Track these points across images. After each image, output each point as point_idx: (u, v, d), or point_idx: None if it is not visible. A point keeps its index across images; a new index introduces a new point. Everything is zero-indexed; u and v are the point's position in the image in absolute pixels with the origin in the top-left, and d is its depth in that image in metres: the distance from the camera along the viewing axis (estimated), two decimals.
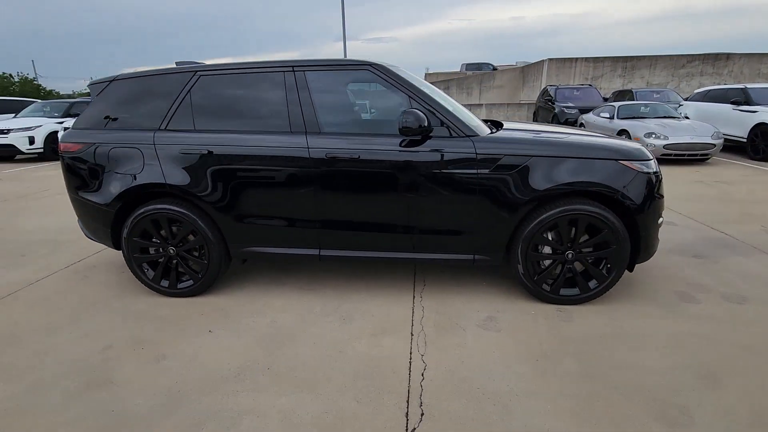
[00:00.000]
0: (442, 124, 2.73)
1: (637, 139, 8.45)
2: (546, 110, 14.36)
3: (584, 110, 12.08)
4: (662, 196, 2.81)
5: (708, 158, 8.49)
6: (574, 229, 2.75)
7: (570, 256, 2.79)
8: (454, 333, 2.60)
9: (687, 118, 9.97)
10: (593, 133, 3.20)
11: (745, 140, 8.93)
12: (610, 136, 3.13)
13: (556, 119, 13.19)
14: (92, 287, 3.34)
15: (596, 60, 19.51)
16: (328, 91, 2.87)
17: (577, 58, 19.65)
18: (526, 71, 22.83)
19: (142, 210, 2.95)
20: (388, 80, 2.81)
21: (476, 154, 2.67)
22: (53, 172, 8.82)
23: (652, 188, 2.72)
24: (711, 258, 3.64)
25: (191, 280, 3.09)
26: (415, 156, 2.71)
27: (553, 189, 2.65)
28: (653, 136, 8.31)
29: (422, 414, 1.94)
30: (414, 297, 3.05)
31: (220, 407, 2.02)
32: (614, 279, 2.79)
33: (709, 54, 18.46)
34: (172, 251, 3.04)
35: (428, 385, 2.13)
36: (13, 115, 11.92)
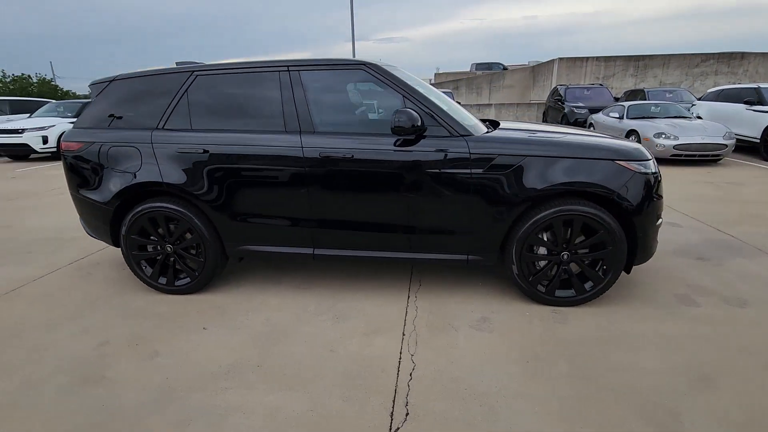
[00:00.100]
0: (437, 123, 2.72)
1: (647, 140, 8.33)
2: (556, 110, 14.20)
3: (594, 110, 11.89)
4: (661, 197, 2.76)
5: (720, 159, 8.32)
6: (569, 229, 2.72)
7: (565, 257, 2.76)
8: (447, 333, 2.59)
9: (699, 118, 9.79)
10: (591, 133, 3.16)
11: (758, 141, 8.73)
12: (609, 136, 3.08)
13: (566, 119, 13.03)
14: (94, 284, 3.39)
15: (608, 59, 19.23)
16: (322, 90, 2.88)
17: (588, 58, 19.40)
18: (537, 71, 22.63)
19: (139, 208, 3.00)
20: (382, 80, 2.81)
21: (470, 153, 2.66)
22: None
23: (651, 189, 2.67)
24: (714, 260, 3.57)
25: (188, 278, 3.12)
26: (408, 155, 2.70)
27: (547, 189, 2.62)
28: (663, 136, 8.18)
29: (407, 414, 1.94)
30: (409, 297, 3.05)
31: (209, 404, 2.04)
32: (610, 281, 2.75)
33: (723, 53, 18.10)
34: (169, 249, 3.07)
35: (416, 385, 2.13)
36: (28, 115, 12.17)
